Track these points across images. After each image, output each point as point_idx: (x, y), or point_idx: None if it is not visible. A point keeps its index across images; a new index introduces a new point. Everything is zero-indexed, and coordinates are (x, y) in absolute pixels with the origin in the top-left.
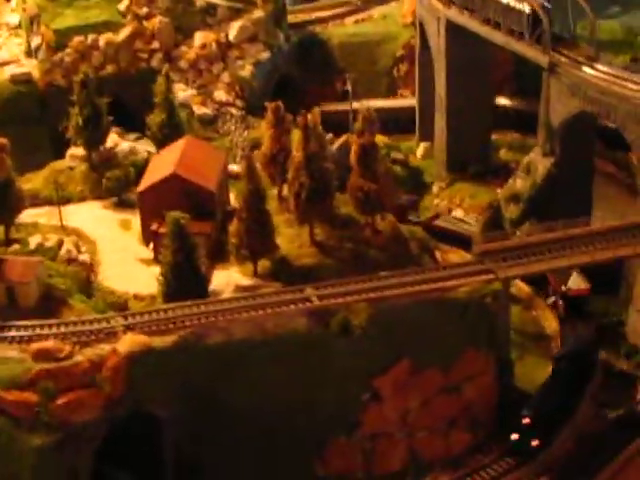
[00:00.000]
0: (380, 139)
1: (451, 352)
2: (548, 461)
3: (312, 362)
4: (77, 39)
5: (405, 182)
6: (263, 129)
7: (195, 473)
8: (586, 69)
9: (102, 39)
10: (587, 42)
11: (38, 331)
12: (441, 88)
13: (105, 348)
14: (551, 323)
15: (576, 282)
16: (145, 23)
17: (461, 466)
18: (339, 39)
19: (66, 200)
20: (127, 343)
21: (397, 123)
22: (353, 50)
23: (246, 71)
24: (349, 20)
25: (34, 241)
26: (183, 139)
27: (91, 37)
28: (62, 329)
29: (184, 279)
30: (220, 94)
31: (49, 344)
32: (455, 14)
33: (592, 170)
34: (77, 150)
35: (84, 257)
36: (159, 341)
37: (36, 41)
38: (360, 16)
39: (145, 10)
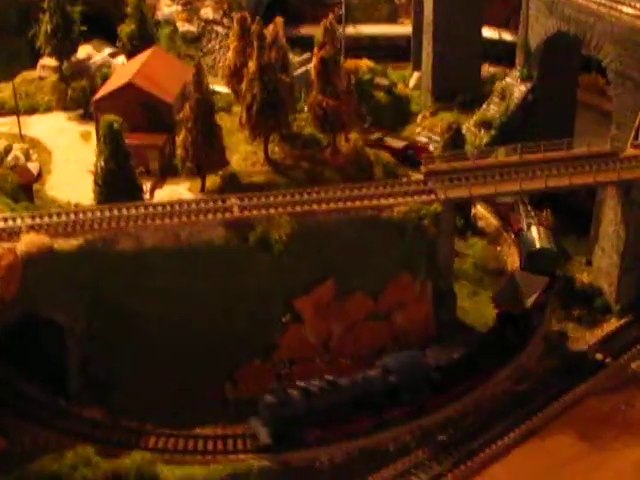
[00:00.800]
0: (365, 63)
1: (383, 277)
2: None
3: (229, 278)
4: None
5: (389, 109)
6: (229, 42)
7: (105, 388)
8: None
9: None
10: None
11: None
12: (429, 11)
13: (4, 246)
14: (514, 259)
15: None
16: None
17: None
18: None
19: (32, 110)
20: (26, 243)
21: (394, 51)
22: None
23: None
24: None
25: None
26: (150, 49)
27: None
28: None
29: (116, 188)
30: (207, 11)
31: None
32: None
33: (574, 100)
34: (49, 61)
35: (33, 165)
36: (63, 244)
37: None
38: None
39: None
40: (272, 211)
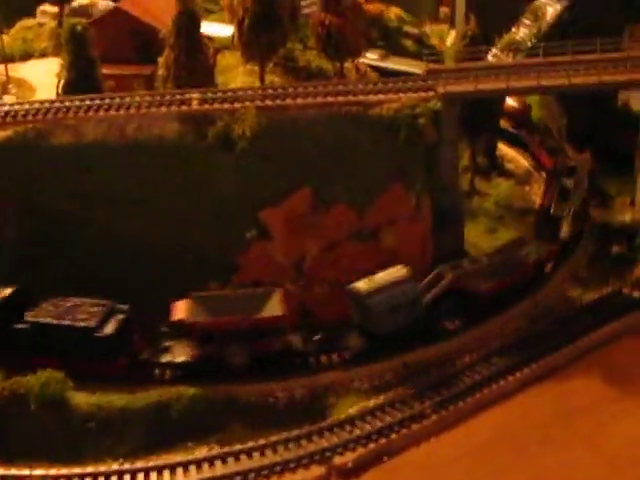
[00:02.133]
0: (393, 11)
1: (370, 187)
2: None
3: (182, 181)
4: None
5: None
6: None
7: None
8: None
9: None
10: None
11: None
12: None
13: None
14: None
15: None
16: None
17: None
18: None
19: (28, 56)
20: None
21: None
22: None
23: None
24: None
25: None
26: None
27: None
28: None
29: None
30: None
31: None
32: None
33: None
34: (49, 7)
35: (8, 97)
36: None
37: None
38: None
39: None
40: (237, 105)
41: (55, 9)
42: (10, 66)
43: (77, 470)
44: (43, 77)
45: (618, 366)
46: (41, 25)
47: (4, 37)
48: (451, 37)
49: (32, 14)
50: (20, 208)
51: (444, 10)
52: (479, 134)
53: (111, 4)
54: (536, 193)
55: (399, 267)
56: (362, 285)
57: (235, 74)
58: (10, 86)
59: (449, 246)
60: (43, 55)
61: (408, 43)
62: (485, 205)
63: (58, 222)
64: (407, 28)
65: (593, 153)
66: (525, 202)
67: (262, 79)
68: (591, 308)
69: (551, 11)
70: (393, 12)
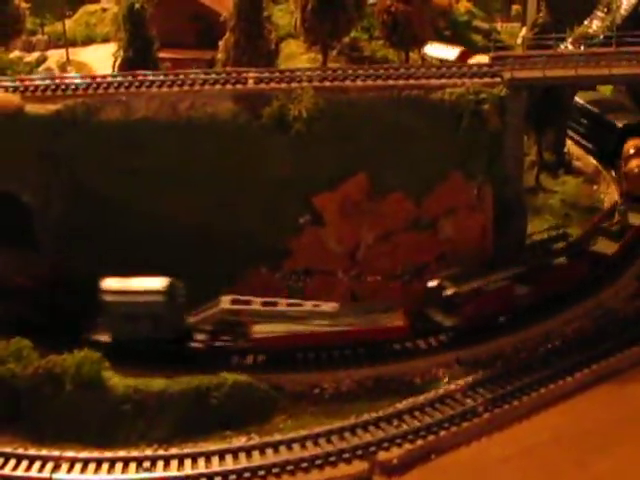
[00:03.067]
0: (464, 4)
1: (429, 175)
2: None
3: (235, 162)
4: None
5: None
6: None
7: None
8: None
9: None
10: None
11: None
12: None
13: None
14: (613, 197)
15: None
16: None
17: None
18: None
19: (90, 41)
20: None
21: None
22: None
23: None
24: None
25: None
26: None
27: None
28: None
29: None
30: None
31: None
32: None
33: None
34: None
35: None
36: (37, 107)
37: None
38: None
39: None
40: (294, 85)
41: None
42: (72, 50)
43: (108, 454)
44: (103, 61)
45: None
46: (104, 10)
47: (67, 21)
48: (522, 33)
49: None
50: (65, 185)
51: (516, 8)
52: (546, 128)
53: None
54: (604, 192)
55: (164, 279)
56: (111, 283)
57: (298, 62)
58: (69, 68)
59: (510, 239)
60: (105, 40)
61: (477, 38)
62: (550, 202)
63: (104, 200)
64: (477, 23)
65: None
66: (592, 201)
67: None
68: None
69: (625, 3)
70: (464, 5)
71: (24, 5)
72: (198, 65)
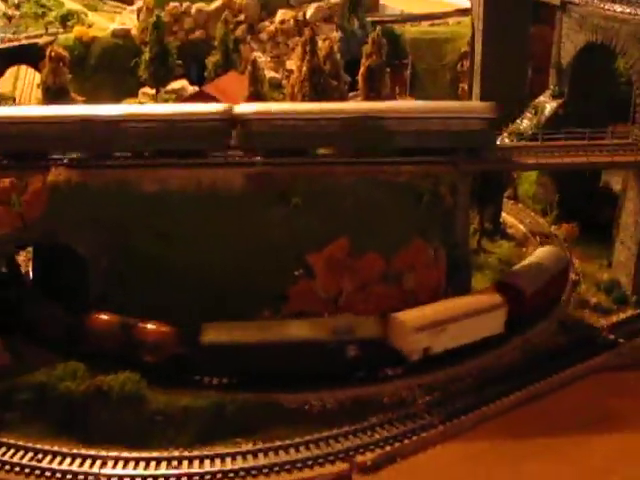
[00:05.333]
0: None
1: (396, 239)
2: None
3: (245, 227)
4: (173, 5)
5: None
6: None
7: None
8: (595, 2)
9: (194, 7)
10: None
11: None
12: (478, 55)
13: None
14: None
15: None
16: None
17: None
18: (411, 35)
19: None
20: (54, 174)
21: None
22: (423, 45)
23: None
24: (425, 23)
25: None
26: (229, 73)
27: (185, 5)
28: None
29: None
30: (291, 63)
31: None
32: None
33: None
34: (148, 89)
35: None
36: (92, 180)
37: (138, 4)
38: (436, 22)
39: None
40: (292, 168)
41: (153, 91)
42: None
43: (145, 454)
44: None
45: (597, 394)
46: (141, 103)
47: None
48: None
49: (135, 94)
50: (110, 244)
51: None
52: (486, 204)
53: (197, 89)
54: (531, 253)
55: None
56: None
57: None
58: None
59: (459, 291)
60: None
61: None
62: (489, 260)
63: (141, 256)
64: None
65: (580, 224)
66: (522, 260)
67: None
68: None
69: (548, 107)
70: None
71: (80, 98)
72: None
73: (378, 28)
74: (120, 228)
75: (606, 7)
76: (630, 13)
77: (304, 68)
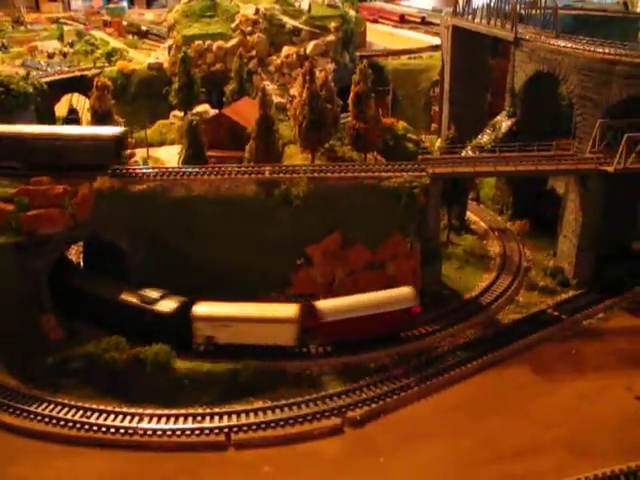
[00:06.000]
0: (401, 123)
1: (380, 233)
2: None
3: (256, 224)
4: (197, 43)
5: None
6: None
7: None
8: (542, 39)
9: (215, 45)
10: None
11: None
12: (447, 83)
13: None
14: (495, 249)
15: None
16: (248, 37)
17: None
18: (393, 67)
19: (162, 143)
20: (99, 182)
21: None
22: (402, 75)
23: None
24: (404, 57)
25: None
26: (243, 98)
27: (207, 42)
28: None
29: None
30: (294, 90)
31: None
32: (457, 20)
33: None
34: (177, 112)
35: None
36: (131, 187)
37: (169, 42)
38: (413, 55)
39: (249, 29)
40: (294, 175)
41: (181, 114)
42: (151, 149)
43: (174, 411)
44: (171, 157)
45: (543, 361)
46: (172, 124)
47: (148, 130)
48: (438, 143)
49: (167, 116)
50: (146, 239)
51: (434, 125)
52: (453, 204)
53: (217, 111)
54: (490, 245)
55: None
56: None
57: (296, 160)
58: (149, 161)
59: (431, 276)
60: (172, 143)
61: (410, 145)
62: (456, 251)
63: (171, 249)
64: (410, 135)
65: (531, 221)
66: (483, 251)
67: (312, 161)
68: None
69: (504, 125)
70: (401, 124)
71: (121, 120)
72: (232, 161)
73: (365, 61)
74: (153, 226)
75: (551, 42)
76: (571, 47)
77: (304, 94)
